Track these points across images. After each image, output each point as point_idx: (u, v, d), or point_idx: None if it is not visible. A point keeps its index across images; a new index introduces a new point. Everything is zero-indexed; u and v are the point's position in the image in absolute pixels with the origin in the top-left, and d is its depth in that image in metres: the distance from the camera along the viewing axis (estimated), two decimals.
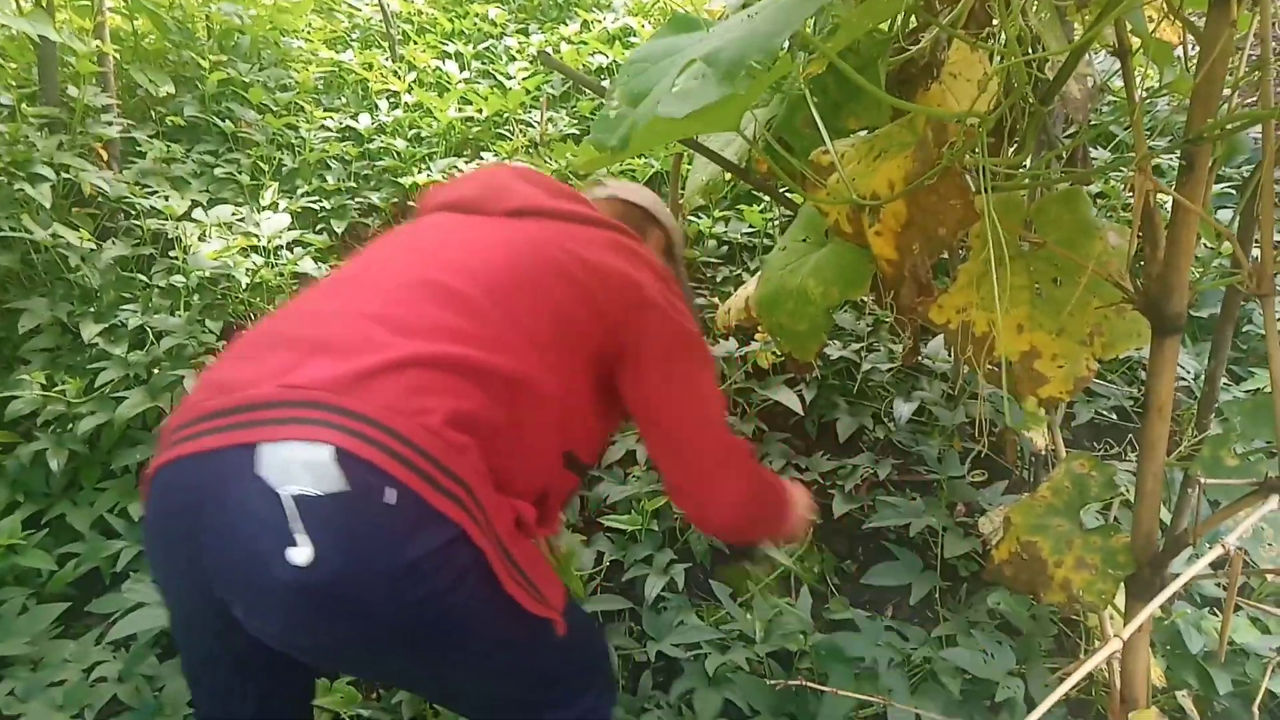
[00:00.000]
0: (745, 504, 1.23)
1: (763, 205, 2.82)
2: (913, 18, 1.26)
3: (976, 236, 1.05)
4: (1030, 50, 1.11)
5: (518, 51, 4.02)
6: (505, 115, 3.43)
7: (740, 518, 1.25)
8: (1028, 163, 1.19)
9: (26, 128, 2.47)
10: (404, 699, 1.62)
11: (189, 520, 0.93)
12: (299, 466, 0.88)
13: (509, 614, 1.02)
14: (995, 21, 1.24)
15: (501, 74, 3.78)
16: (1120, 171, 2.64)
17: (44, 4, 2.49)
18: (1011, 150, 1.24)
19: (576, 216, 1.23)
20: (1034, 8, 1.12)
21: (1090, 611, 1.17)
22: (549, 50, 3.57)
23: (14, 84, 2.94)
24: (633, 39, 3.96)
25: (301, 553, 0.86)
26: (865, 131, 1.30)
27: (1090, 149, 1.57)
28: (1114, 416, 2.30)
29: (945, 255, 1.87)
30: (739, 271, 2.72)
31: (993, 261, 0.86)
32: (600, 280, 1.16)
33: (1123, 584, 1.05)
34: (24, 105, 2.57)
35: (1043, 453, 1.86)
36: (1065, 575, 1.05)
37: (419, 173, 3.05)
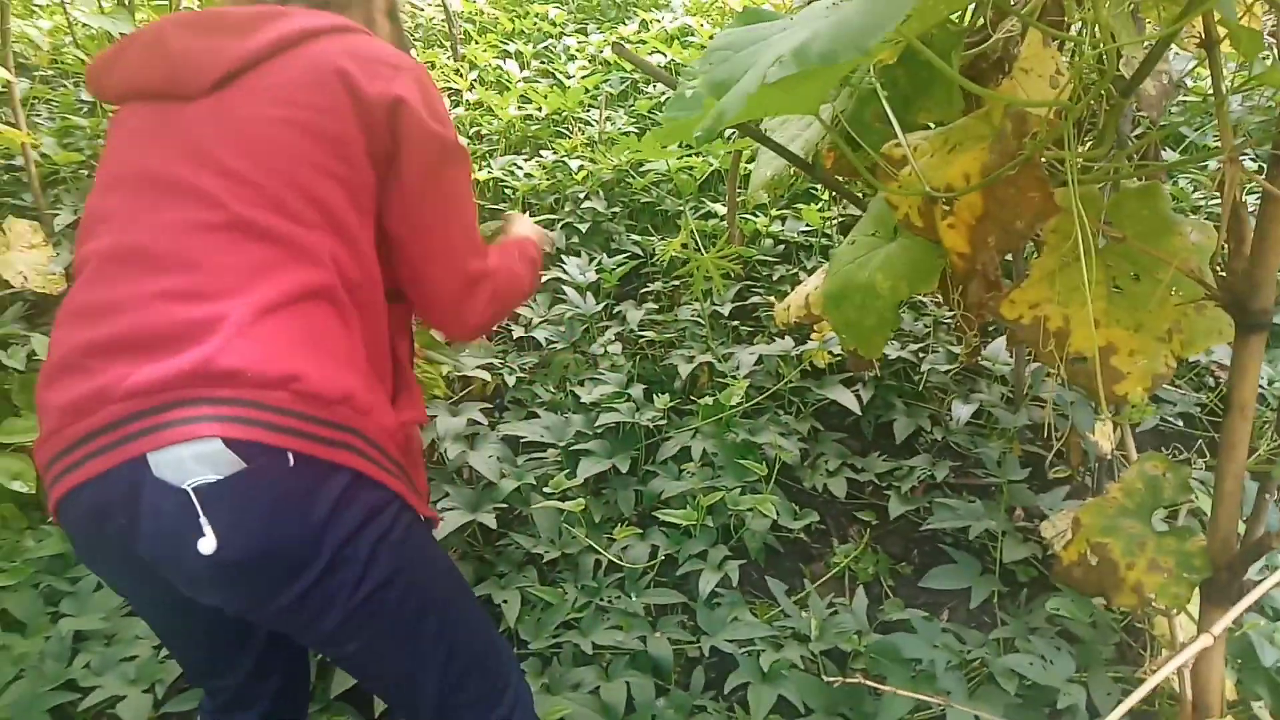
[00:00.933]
0: (491, 320, 1.25)
1: (820, 204, 2.80)
2: (982, 13, 1.25)
3: (1052, 231, 1.03)
4: (1104, 45, 1.09)
5: (577, 51, 4.05)
6: (564, 113, 3.46)
7: (487, 328, 1.27)
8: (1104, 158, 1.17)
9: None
10: None
11: (109, 535, 0.96)
12: (192, 461, 0.89)
13: (423, 541, 1.10)
14: (1067, 19, 1.22)
15: (561, 73, 3.81)
16: (1195, 171, 2.57)
17: (124, 3, 2.58)
18: (1088, 145, 1.22)
19: (288, 41, 1.07)
20: (1109, 1, 1.10)
21: (1162, 616, 1.14)
22: (622, 43, 3.60)
23: None
24: (691, 38, 3.96)
25: (207, 543, 0.89)
26: (935, 126, 1.28)
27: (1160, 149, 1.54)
28: (1180, 423, 2.24)
29: (1009, 257, 1.84)
30: (795, 270, 2.71)
31: (1082, 253, 0.85)
32: (354, 119, 1.05)
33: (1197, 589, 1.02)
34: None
35: (1108, 457, 1.81)
36: (1137, 578, 1.03)
37: (480, 169, 3.09)
